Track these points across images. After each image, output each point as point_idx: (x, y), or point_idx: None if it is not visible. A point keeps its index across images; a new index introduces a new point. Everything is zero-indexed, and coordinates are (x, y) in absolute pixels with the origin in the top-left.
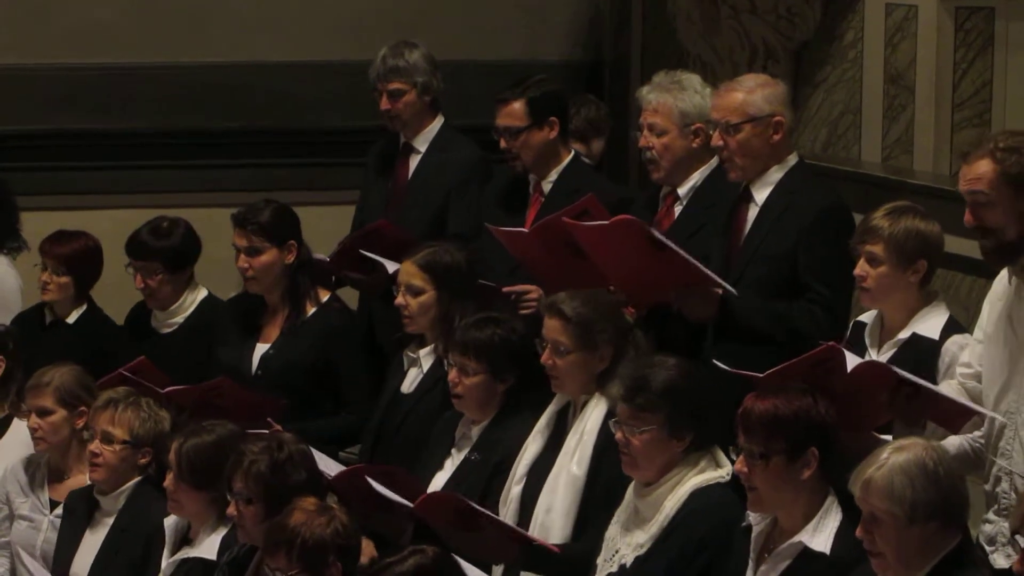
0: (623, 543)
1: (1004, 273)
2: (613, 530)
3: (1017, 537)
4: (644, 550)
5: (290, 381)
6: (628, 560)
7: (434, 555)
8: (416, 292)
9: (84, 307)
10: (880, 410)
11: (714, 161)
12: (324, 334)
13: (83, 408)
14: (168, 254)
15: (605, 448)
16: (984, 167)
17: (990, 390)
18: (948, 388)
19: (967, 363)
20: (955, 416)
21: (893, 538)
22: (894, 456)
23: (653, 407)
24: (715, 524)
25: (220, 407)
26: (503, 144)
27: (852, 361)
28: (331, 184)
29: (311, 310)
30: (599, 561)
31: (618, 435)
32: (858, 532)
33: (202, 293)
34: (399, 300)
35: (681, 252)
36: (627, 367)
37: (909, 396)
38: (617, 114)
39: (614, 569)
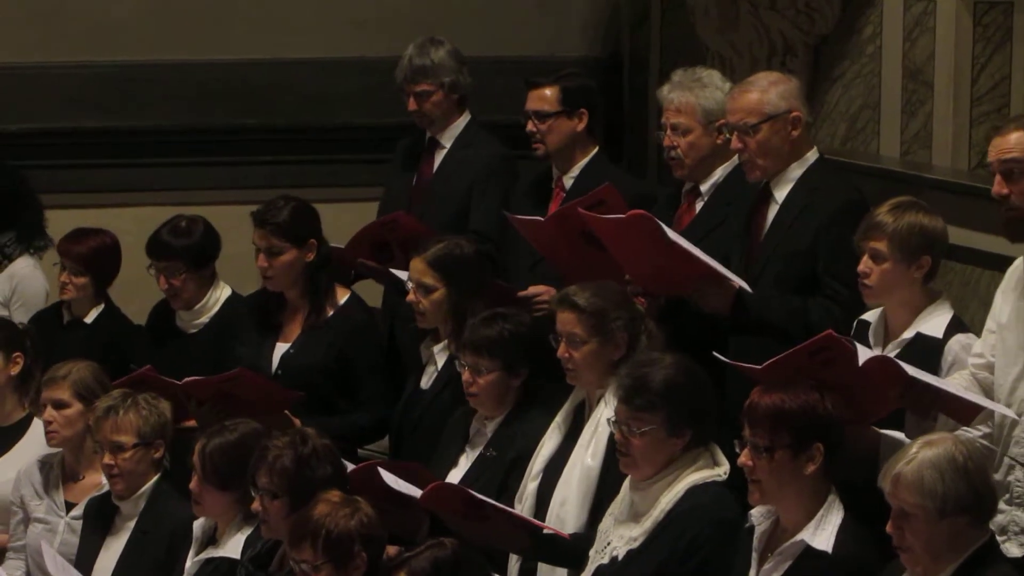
0: (615, 535)
1: (1018, 263)
2: (607, 522)
3: None
4: (637, 544)
5: (310, 381)
6: (620, 553)
7: (452, 547)
8: (427, 290)
9: (102, 306)
10: (888, 403)
11: (736, 157)
12: (344, 333)
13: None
14: (190, 252)
15: None
16: (1018, 137)
17: (1004, 379)
18: (959, 379)
19: (979, 353)
20: (966, 409)
21: (923, 532)
22: (924, 451)
23: (652, 407)
24: (709, 523)
25: (238, 398)
26: (529, 127)
27: (864, 354)
28: (352, 181)
29: (330, 310)
30: (591, 552)
31: (617, 435)
32: (888, 528)
33: (226, 291)
34: (410, 297)
35: (692, 249)
36: (625, 367)
37: (919, 392)
38: (636, 110)
39: (605, 561)
